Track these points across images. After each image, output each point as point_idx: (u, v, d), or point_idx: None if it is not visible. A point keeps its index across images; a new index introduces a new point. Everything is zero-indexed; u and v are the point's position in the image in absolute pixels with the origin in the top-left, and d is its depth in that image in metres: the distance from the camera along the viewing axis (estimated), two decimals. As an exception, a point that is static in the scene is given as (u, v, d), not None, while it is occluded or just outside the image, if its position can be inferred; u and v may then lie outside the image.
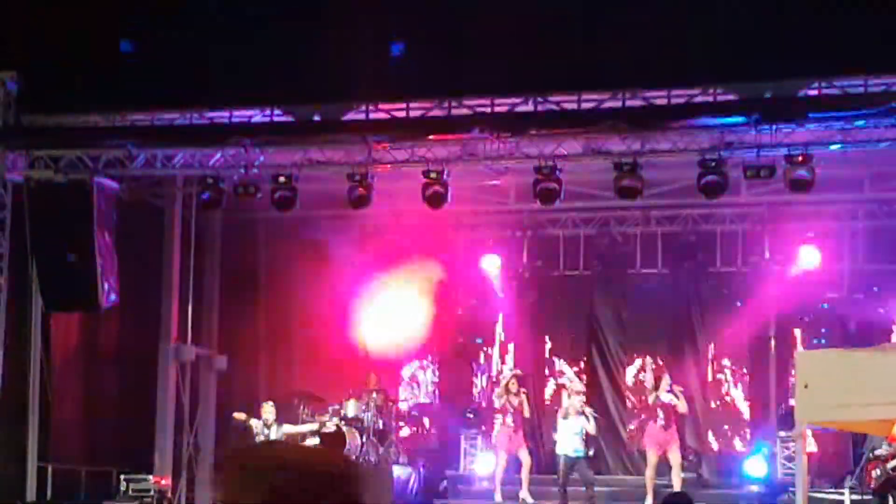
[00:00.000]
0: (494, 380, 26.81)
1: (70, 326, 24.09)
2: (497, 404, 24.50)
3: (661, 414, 23.07)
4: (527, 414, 24.01)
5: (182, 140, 21.58)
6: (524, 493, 23.60)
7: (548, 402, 26.41)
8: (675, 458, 22.94)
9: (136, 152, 21.35)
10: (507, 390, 24.03)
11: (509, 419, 23.90)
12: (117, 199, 22.00)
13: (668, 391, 23.12)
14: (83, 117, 21.73)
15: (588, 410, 23.22)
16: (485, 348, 27.45)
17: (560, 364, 27.05)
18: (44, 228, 21.43)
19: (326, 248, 25.88)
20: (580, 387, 24.46)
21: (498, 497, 23.83)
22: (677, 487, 22.59)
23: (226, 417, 24.72)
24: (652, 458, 23.20)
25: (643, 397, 25.04)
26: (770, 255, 25.44)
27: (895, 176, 23.66)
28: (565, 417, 23.09)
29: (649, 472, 23.17)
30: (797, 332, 25.33)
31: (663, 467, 23.24)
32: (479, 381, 27.51)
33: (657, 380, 23.59)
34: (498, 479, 23.94)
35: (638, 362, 26.37)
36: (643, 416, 25.03)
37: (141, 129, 21.50)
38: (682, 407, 23.16)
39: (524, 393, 24.07)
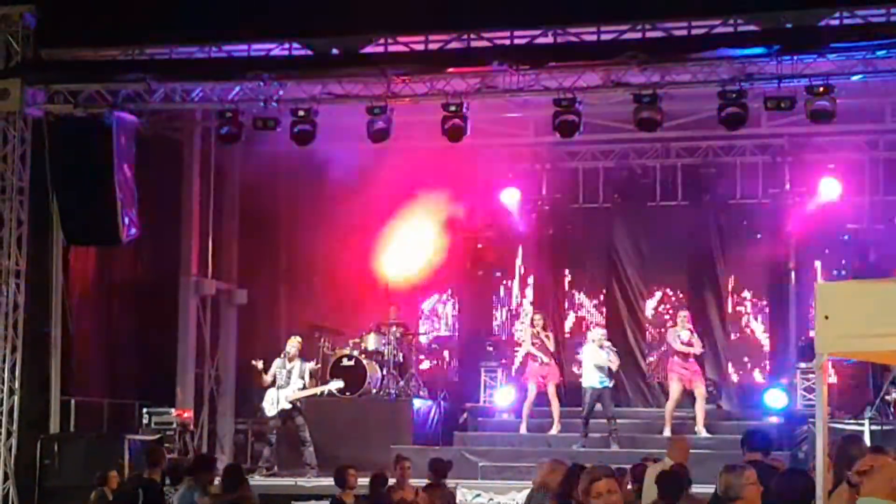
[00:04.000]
0: (514, 312, 26.87)
1: (90, 260, 24.16)
2: (518, 337, 24.59)
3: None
4: (550, 348, 24.13)
5: (200, 74, 21.52)
6: (554, 429, 23.73)
7: (568, 335, 26.42)
8: (699, 390, 22.99)
9: (155, 86, 21.30)
10: (533, 325, 24.19)
11: (542, 355, 24.01)
12: (137, 134, 21.98)
13: (687, 330, 23.23)
14: (102, 51, 21.71)
15: (607, 345, 23.25)
16: (504, 281, 27.45)
17: (580, 297, 27.00)
18: (64, 163, 21.43)
19: (346, 181, 25.79)
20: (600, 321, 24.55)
21: (523, 429, 23.93)
22: (700, 420, 22.65)
23: (245, 353, 24.83)
24: (675, 391, 23.24)
25: (663, 330, 25.09)
26: (791, 187, 25.40)
27: (916, 107, 23.57)
28: (589, 349, 23.14)
29: (670, 405, 23.21)
30: (817, 263, 25.25)
31: (684, 400, 23.34)
32: (499, 314, 27.53)
33: (675, 316, 23.72)
34: (525, 413, 24.05)
35: (658, 294, 26.33)
36: (663, 349, 25.06)
37: (159, 63, 21.44)
38: (696, 348, 23.22)
39: (547, 328, 24.22)
